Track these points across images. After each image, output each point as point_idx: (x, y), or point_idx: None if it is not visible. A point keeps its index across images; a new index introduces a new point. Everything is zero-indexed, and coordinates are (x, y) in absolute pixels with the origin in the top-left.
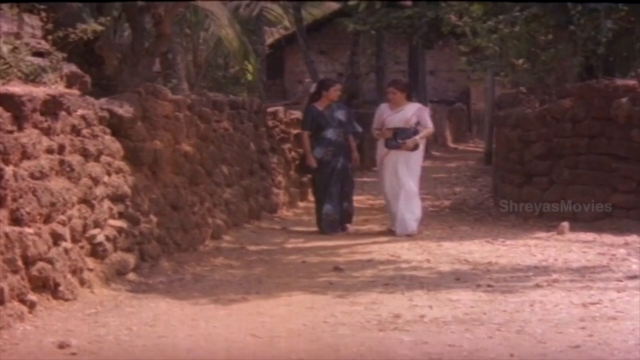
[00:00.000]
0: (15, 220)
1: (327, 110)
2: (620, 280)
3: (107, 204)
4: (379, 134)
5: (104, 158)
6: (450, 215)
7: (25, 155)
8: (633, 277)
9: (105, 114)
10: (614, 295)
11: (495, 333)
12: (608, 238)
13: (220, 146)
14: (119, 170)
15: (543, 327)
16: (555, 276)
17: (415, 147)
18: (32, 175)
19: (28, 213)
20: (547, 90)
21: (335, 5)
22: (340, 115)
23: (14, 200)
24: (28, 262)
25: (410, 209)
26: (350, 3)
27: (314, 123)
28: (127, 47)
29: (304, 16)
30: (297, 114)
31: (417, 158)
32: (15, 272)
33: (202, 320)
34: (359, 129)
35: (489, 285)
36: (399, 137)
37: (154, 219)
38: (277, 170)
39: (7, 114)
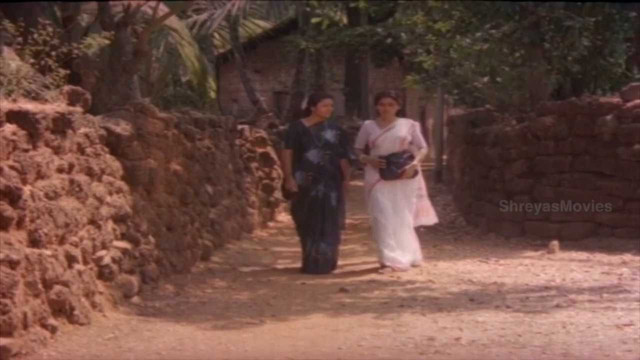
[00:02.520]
0: (33, 241)
1: (315, 128)
2: None
3: (110, 224)
4: (366, 160)
5: (105, 177)
6: (426, 234)
7: (39, 175)
8: None
9: (103, 132)
10: None
11: (542, 356)
12: (602, 257)
13: (205, 165)
14: (119, 190)
15: (587, 349)
16: (571, 296)
17: (415, 174)
18: (47, 195)
19: (46, 234)
20: (521, 108)
21: (269, 25)
22: (330, 135)
23: (32, 221)
24: (46, 285)
25: (410, 240)
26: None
27: (297, 141)
28: (104, 65)
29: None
30: (262, 133)
31: (414, 185)
32: (36, 295)
33: (230, 344)
34: (353, 156)
35: (507, 307)
36: (395, 165)
37: (152, 239)
38: (251, 190)
39: (22, 132)
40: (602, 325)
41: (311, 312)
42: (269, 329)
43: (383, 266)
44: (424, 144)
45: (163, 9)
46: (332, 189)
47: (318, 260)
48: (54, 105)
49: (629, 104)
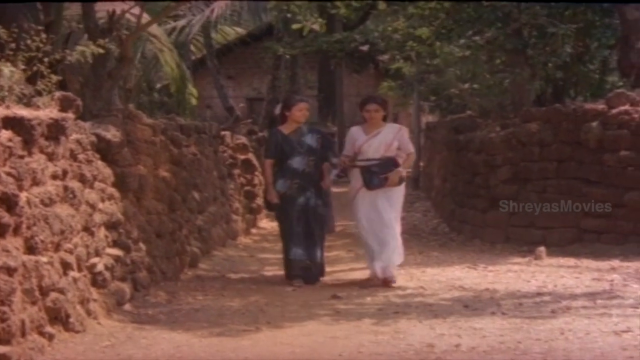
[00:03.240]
0: (30, 248)
1: (295, 135)
2: (636, 307)
3: (102, 231)
4: (345, 161)
5: (97, 184)
6: (410, 240)
7: (34, 181)
8: None
9: (94, 138)
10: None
11: None
12: (590, 263)
13: (191, 172)
14: (111, 197)
15: (588, 356)
16: (565, 303)
17: (400, 181)
18: (42, 202)
19: (42, 241)
20: (503, 114)
21: (243, 31)
22: (311, 140)
23: (28, 227)
24: (43, 292)
25: (395, 249)
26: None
27: (278, 150)
28: (89, 71)
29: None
30: (243, 139)
31: (399, 191)
32: (34, 303)
33: (228, 351)
34: (335, 160)
35: (503, 313)
36: (378, 173)
37: (143, 247)
38: (234, 197)
39: (17, 139)
40: (600, 331)
41: (306, 319)
42: (265, 336)
43: (374, 277)
44: (411, 149)
45: (145, 15)
46: (319, 196)
47: (311, 268)
48: (47, 112)
49: (614, 111)
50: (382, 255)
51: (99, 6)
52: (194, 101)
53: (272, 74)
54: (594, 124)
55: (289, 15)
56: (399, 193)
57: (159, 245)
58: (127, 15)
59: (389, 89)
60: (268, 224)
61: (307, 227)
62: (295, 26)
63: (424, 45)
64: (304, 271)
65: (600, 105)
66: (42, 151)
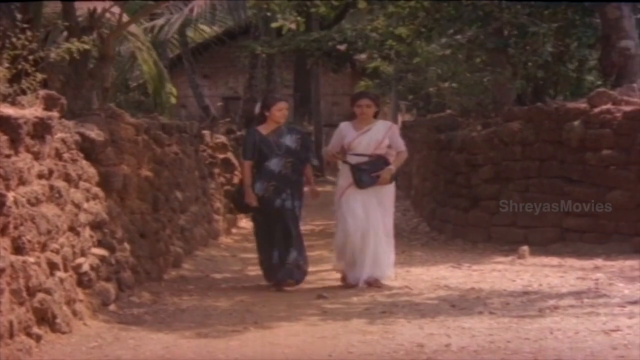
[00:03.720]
0: (17, 248)
1: (273, 135)
2: (623, 306)
3: (88, 231)
4: (333, 154)
5: (82, 184)
6: None
7: (21, 181)
8: (634, 302)
9: (78, 137)
10: (628, 321)
11: None
12: (573, 262)
13: (173, 171)
14: (95, 196)
15: (579, 356)
16: (552, 302)
17: (392, 179)
18: (29, 202)
19: (29, 241)
20: (484, 113)
21: (218, 30)
22: (290, 141)
23: (15, 227)
24: (30, 293)
25: (386, 252)
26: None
27: (256, 150)
28: (69, 69)
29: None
30: (223, 139)
31: (389, 191)
32: (21, 304)
33: (217, 352)
34: (316, 161)
35: (490, 312)
36: (369, 170)
37: (127, 247)
38: (215, 196)
39: (4, 137)
40: (589, 331)
41: (294, 319)
42: (254, 336)
43: (346, 283)
44: (402, 147)
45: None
46: (295, 198)
47: (292, 270)
48: (32, 110)
49: (596, 110)
50: (365, 262)
51: (79, 4)
52: (173, 100)
53: (249, 73)
54: (576, 123)
55: (268, 14)
56: (389, 193)
57: (143, 245)
58: (107, 14)
59: (366, 88)
60: (248, 224)
61: (284, 231)
62: (274, 24)
63: (403, 44)
64: (290, 273)
65: (582, 104)
66: (28, 150)
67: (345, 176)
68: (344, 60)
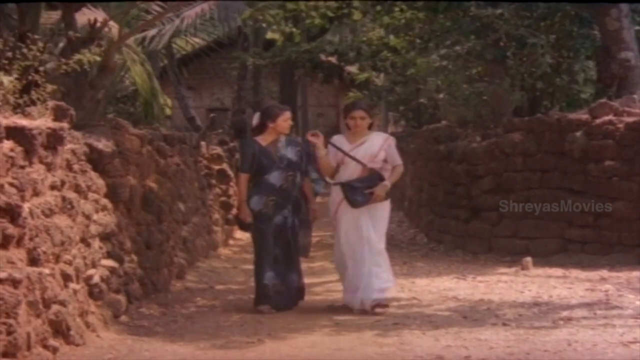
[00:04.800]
0: (32, 260)
1: (273, 147)
2: (637, 318)
3: (97, 242)
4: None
5: (91, 195)
6: (391, 251)
7: (35, 192)
8: None
9: (86, 148)
10: None
11: None
12: (578, 273)
13: (176, 182)
14: (104, 208)
15: None
16: (564, 313)
17: (387, 196)
18: (43, 213)
19: (44, 252)
20: (483, 124)
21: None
22: (291, 153)
23: (31, 239)
24: (45, 305)
25: (383, 270)
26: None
27: (255, 163)
28: (70, 80)
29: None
30: (218, 150)
31: (384, 207)
32: (38, 315)
33: None
34: (315, 175)
35: (504, 324)
36: (362, 188)
37: (135, 258)
38: (213, 207)
39: (19, 149)
40: (607, 343)
41: (306, 331)
42: (270, 348)
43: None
44: (399, 160)
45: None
46: (297, 214)
47: (285, 292)
48: (43, 121)
49: (598, 121)
50: (361, 284)
51: (78, 15)
52: (168, 112)
53: (237, 84)
54: (578, 134)
55: (264, 25)
56: (384, 211)
57: (149, 257)
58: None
59: (356, 99)
60: (244, 235)
61: (284, 249)
62: (269, 35)
63: (399, 55)
64: (276, 295)
65: (584, 115)
66: (41, 161)
67: (336, 192)
68: (334, 71)
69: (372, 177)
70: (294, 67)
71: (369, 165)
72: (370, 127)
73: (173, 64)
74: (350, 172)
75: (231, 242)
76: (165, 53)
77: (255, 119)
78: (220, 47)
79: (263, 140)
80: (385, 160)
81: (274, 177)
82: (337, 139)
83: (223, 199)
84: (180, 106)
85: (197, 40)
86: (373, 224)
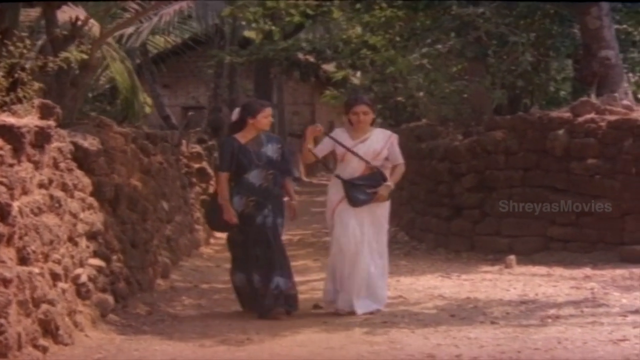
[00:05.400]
0: (22, 259)
1: (253, 144)
2: (625, 315)
3: (84, 241)
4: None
5: (77, 193)
6: None
7: (24, 191)
8: (636, 312)
9: (72, 147)
10: (634, 331)
11: None
12: (562, 271)
13: (159, 181)
14: (90, 206)
15: None
16: (552, 311)
17: (389, 196)
18: (32, 212)
19: (33, 251)
20: (464, 122)
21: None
22: (272, 151)
23: (20, 238)
24: (35, 304)
25: (382, 274)
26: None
27: (234, 161)
28: (51, 78)
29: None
30: (198, 148)
31: (385, 208)
32: (28, 315)
33: None
34: (297, 173)
35: (492, 322)
36: (363, 187)
37: (121, 257)
38: (195, 206)
39: (7, 147)
40: (597, 341)
41: (294, 330)
42: (260, 347)
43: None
44: (401, 159)
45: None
46: (277, 215)
47: (279, 297)
48: (30, 119)
49: (580, 119)
50: (355, 285)
51: (58, 13)
52: (148, 110)
53: (214, 82)
54: (561, 132)
55: (243, 23)
56: (384, 211)
57: (135, 256)
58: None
59: (332, 97)
60: (223, 234)
61: (264, 250)
62: (248, 33)
63: (378, 53)
64: (277, 300)
65: (566, 114)
66: (29, 160)
67: (336, 189)
68: (310, 70)
69: (375, 177)
70: (271, 65)
71: (372, 163)
72: (372, 123)
73: (148, 61)
74: (353, 169)
75: (212, 240)
76: (140, 51)
77: (235, 115)
78: (196, 45)
79: (242, 137)
80: (386, 158)
81: (254, 176)
82: (338, 133)
83: (203, 197)
84: (155, 104)
85: (172, 38)
86: (374, 225)
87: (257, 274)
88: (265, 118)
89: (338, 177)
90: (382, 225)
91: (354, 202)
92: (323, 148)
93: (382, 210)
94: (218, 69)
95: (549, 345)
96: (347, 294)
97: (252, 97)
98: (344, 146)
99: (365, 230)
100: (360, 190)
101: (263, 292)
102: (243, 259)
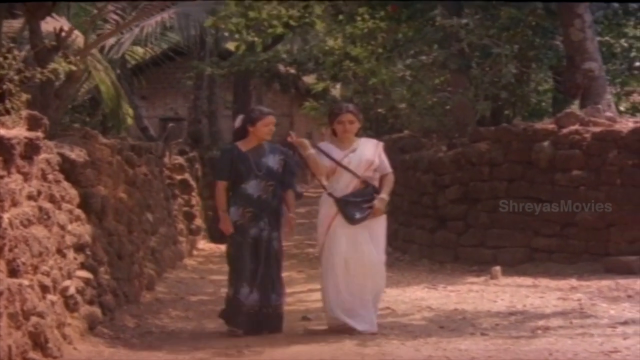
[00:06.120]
0: (12, 271)
1: (254, 153)
2: (614, 327)
3: (72, 253)
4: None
5: (65, 205)
6: None
7: (13, 202)
8: (624, 323)
9: (59, 158)
10: (624, 342)
11: None
12: (547, 282)
13: (144, 192)
14: (78, 218)
15: None
16: (541, 322)
17: (385, 209)
18: (22, 224)
19: (23, 263)
20: (448, 133)
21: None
22: (273, 161)
23: (10, 250)
24: (25, 316)
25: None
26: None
27: (233, 170)
28: (36, 89)
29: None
30: (180, 159)
31: (381, 222)
32: (18, 328)
33: None
34: (300, 189)
35: (482, 334)
36: (359, 202)
37: (108, 269)
38: (178, 218)
39: None
40: (587, 352)
41: (285, 342)
42: None
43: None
44: (389, 168)
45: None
46: (274, 228)
47: (269, 315)
48: (20, 131)
49: (565, 130)
50: (369, 301)
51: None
52: (129, 121)
53: (193, 94)
54: (545, 143)
55: (226, 34)
56: (381, 225)
57: (121, 268)
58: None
59: (312, 109)
60: (207, 245)
61: (263, 266)
62: (230, 45)
63: (361, 65)
64: (251, 317)
65: (551, 125)
66: (19, 171)
67: (329, 205)
68: (291, 81)
69: (368, 191)
70: (251, 77)
71: (364, 174)
72: (357, 133)
73: (126, 72)
74: (345, 183)
75: (195, 252)
76: (119, 62)
77: (238, 122)
78: (175, 56)
79: (243, 145)
80: (375, 170)
81: (252, 187)
82: (325, 147)
83: (186, 209)
84: (135, 116)
85: (151, 48)
86: (373, 241)
87: (246, 286)
88: (265, 126)
89: (331, 195)
90: (382, 241)
91: (352, 221)
92: (325, 163)
93: (380, 224)
94: (198, 80)
95: (540, 356)
96: (364, 314)
97: (230, 109)
98: (335, 160)
99: (365, 249)
100: (355, 207)
101: (245, 305)
102: (235, 270)
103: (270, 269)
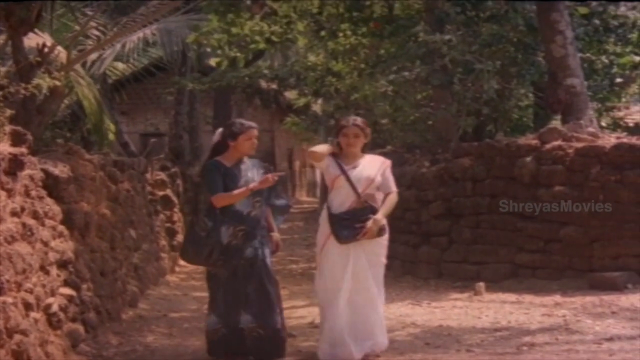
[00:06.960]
0: None
1: (239, 169)
2: (599, 343)
3: (55, 270)
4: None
5: (48, 221)
6: None
7: None
8: (610, 339)
9: (42, 174)
10: (610, 358)
11: None
12: (532, 298)
13: (126, 209)
14: (61, 235)
15: None
16: (526, 339)
17: (381, 231)
18: (5, 240)
19: (7, 281)
20: (430, 149)
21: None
22: (258, 176)
23: None
24: (8, 334)
25: (382, 317)
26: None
27: (222, 184)
28: (18, 105)
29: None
30: (162, 175)
31: (381, 246)
32: (2, 346)
33: None
34: (285, 201)
35: (468, 350)
36: (350, 220)
37: (91, 286)
38: (160, 234)
39: None
40: None
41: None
42: None
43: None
44: (394, 187)
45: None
46: (265, 246)
47: (272, 339)
48: (3, 146)
49: (548, 146)
50: (366, 330)
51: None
52: (111, 136)
53: (174, 109)
54: (528, 159)
55: (208, 49)
56: (381, 249)
57: (104, 285)
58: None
59: (293, 124)
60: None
61: (257, 287)
62: (213, 61)
63: (343, 80)
64: (270, 343)
65: (534, 141)
66: (2, 187)
67: (325, 222)
68: (273, 96)
69: (365, 211)
70: (232, 92)
71: (366, 192)
72: (363, 149)
73: (107, 88)
74: (342, 199)
75: (177, 269)
76: (100, 77)
77: (216, 136)
78: (157, 71)
79: (226, 160)
80: (378, 188)
81: (241, 204)
82: (328, 160)
83: (168, 225)
84: (115, 131)
85: (132, 64)
86: (371, 267)
87: (248, 314)
88: (247, 140)
89: (328, 208)
90: (380, 267)
91: (339, 239)
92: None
93: (379, 249)
94: (178, 95)
95: None
96: (360, 342)
97: (210, 124)
98: (341, 167)
99: (361, 276)
100: (345, 225)
101: (246, 335)
102: (229, 298)
103: (270, 288)
